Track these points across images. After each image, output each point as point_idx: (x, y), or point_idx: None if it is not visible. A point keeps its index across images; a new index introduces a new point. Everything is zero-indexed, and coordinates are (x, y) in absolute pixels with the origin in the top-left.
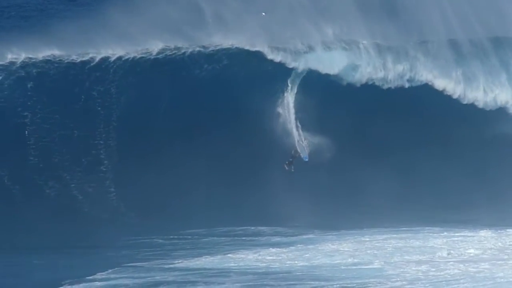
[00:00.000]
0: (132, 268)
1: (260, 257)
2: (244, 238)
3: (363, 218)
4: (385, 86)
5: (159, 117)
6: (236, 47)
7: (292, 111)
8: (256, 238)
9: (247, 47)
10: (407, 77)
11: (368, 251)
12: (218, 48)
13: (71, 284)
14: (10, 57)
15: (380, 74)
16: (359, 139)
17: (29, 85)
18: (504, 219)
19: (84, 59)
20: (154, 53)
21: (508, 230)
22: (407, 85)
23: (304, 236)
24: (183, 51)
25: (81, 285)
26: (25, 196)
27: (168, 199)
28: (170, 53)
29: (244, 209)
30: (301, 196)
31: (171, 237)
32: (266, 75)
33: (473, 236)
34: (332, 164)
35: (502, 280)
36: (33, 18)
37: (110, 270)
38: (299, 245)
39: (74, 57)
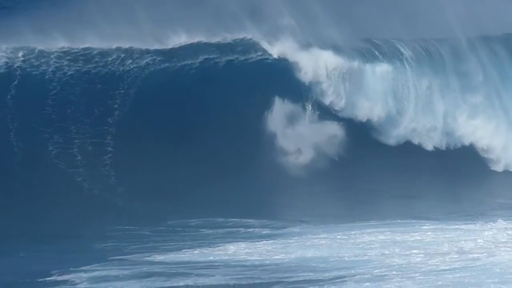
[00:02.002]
0: (119, 261)
1: (249, 250)
2: (232, 230)
3: (354, 212)
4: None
5: (172, 106)
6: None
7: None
8: (245, 231)
9: (274, 55)
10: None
11: (359, 245)
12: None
13: (60, 274)
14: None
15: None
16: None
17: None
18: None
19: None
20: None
21: (497, 222)
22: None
23: (293, 229)
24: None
25: (71, 275)
26: (26, 160)
27: (158, 186)
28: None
29: (232, 201)
30: (290, 190)
31: (160, 228)
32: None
33: (465, 229)
34: (323, 158)
35: (498, 270)
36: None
37: (96, 264)
38: (288, 238)
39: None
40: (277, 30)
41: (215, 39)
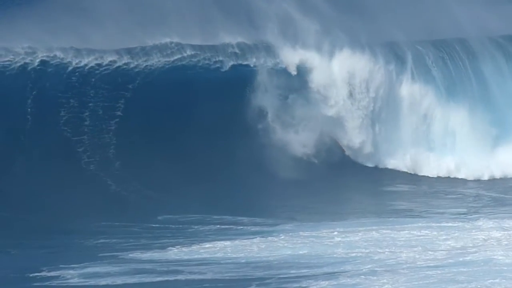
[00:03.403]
0: (110, 258)
1: (240, 247)
2: (223, 228)
3: (346, 210)
4: None
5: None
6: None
7: None
8: (236, 228)
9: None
10: None
11: (351, 242)
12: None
13: (49, 270)
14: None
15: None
16: None
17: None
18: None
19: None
20: None
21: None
22: None
23: (285, 227)
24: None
25: (59, 272)
26: (36, 129)
27: (152, 176)
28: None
29: (224, 199)
30: (282, 188)
31: (151, 225)
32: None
33: (456, 226)
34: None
35: (490, 267)
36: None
37: (87, 262)
38: (279, 235)
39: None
40: (298, 37)
41: (235, 41)
